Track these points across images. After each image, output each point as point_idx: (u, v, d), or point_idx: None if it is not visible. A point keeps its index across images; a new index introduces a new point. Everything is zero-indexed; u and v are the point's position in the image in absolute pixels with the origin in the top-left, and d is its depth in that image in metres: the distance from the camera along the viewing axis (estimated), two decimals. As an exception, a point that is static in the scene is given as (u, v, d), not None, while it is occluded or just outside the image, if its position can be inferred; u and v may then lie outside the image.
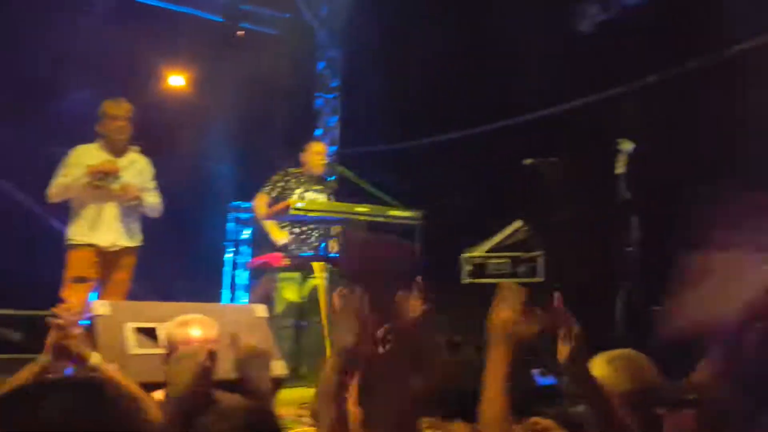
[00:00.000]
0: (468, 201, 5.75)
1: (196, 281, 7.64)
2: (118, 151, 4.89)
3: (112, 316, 3.54)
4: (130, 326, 3.53)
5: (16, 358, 6.35)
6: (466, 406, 2.02)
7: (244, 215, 8.54)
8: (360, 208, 5.15)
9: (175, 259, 7.24)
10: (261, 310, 4.15)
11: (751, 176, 4.57)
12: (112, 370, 2.68)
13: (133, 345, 3.47)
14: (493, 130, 6.89)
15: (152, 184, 5.03)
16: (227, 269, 8.71)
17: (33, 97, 7.61)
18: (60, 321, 2.58)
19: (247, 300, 7.97)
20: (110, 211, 4.76)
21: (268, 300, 5.57)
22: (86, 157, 4.77)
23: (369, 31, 7.98)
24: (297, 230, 5.58)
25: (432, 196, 5.84)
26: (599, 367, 2.22)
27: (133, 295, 5.10)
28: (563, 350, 1.87)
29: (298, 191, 5.53)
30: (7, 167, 7.65)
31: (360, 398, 1.98)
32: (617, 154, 4.35)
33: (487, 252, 4.61)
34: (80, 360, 2.58)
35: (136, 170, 4.94)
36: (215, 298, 8.07)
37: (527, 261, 4.51)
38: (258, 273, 5.80)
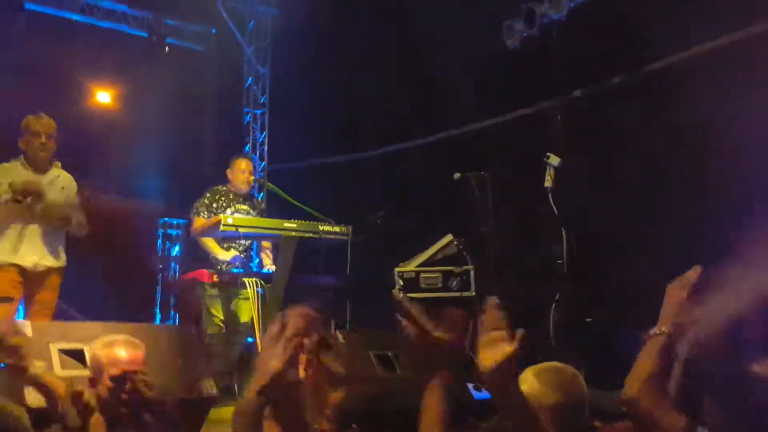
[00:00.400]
0: (398, 215, 5.74)
1: (130, 300, 7.40)
2: (40, 169, 4.68)
3: (37, 336, 3.40)
4: (55, 347, 3.39)
5: None
6: (400, 423, 1.99)
7: (172, 231, 8.33)
8: (290, 224, 5.11)
9: (107, 278, 7.01)
10: (190, 329, 4.05)
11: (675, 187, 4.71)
12: (51, 379, 2.58)
13: (59, 367, 3.33)
14: (422, 145, 6.95)
15: (76, 201, 4.82)
16: (159, 287, 8.47)
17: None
18: None
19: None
20: (33, 230, 4.56)
21: (197, 317, 5.44)
22: (7, 174, 4.55)
23: (295, 47, 7.95)
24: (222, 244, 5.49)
25: (361, 211, 5.82)
26: (527, 380, 2.19)
27: (63, 316, 4.90)
28: (488, 357, 1.70)
29: (229, 210, 5.42)
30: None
31: (279, 424, 1.91)
32: (546, 168, 4.40)
33: (418, 266, 4.60)
34: (19, 371, 2.48)
35: (59, 187, 4.73)
36: (149, 316, 7.82)
37: (459, 275, 4.51)
38: (189, 290, 5.63)
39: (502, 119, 6.08)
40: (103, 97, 8.27)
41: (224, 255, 5.40)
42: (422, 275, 4.44)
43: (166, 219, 8.40)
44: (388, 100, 7.00)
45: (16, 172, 4.60)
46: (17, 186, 4.43)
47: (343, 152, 7.62)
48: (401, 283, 4.55)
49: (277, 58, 8.76)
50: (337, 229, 5.18)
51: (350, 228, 5.20)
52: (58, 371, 3.32)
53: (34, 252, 4.57)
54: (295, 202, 5.38)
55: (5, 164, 4.66)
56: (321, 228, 5.17)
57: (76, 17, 8.04)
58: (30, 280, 4.56)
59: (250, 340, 5.63)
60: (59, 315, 4.86)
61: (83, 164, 7.63)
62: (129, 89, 8.07)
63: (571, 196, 4.42)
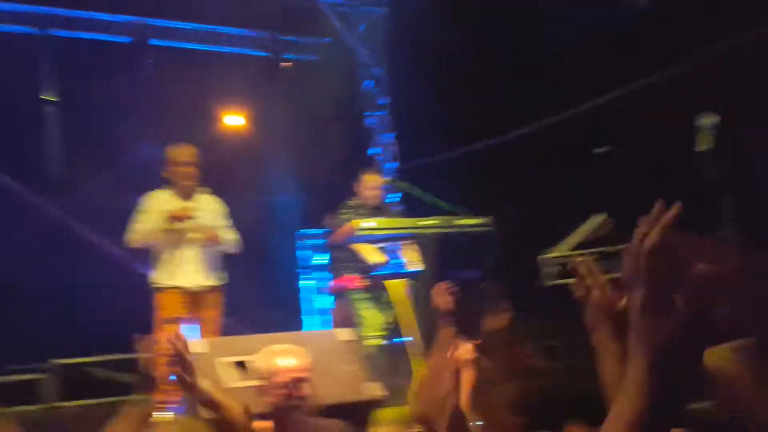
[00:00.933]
0: (536, 201, 5.55)
1: (276, 310, 7.66)
2: (187, 195, 4.90)
3: (209, 353, 3.56)
4: (224, 361, 3.55)
5: (126, 400, 6.69)
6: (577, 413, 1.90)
7: (312, 242, 8.52)
8: (425, 222, 5.06)
9: (254, 290, 7.28)
10: (346, 334, 4.09)
11: None
12: (219, 396, 2.69)
13: (228, 379, 3.47)
14: (549, 126, 6.67)
15: (226, 222, 5.03)
16: (304, 295, 8.70)
17: (105, 151, 7.81)
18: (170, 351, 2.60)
19: (330, 324, 7.92)
20: (191, 253, 4.80)
21: (349, 323, 5.51)
22: (159, 202, 4.81)
23: (409, 42, 7.89)
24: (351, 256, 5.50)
25: (499, 200, 5.68)
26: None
27: (226, 331, 5.09)
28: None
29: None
30: (93, 219, 7.90)
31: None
32: (697, 130, 4.02)
33: (570, 250, 4.40)
34: (191, 388, 2.59)
35: (209, 211, 4.94)
36: (296, 325, 8.05)
37: (615, 255, 4.27)
38: (338, 296, 5.73)
39: (644, 82, 5.63)
40: (233, 119, 8.60)
41: (377, 258, 5.40)
42: (574, 259, 4.23)
43: (305, 230, 8.62)
44: (511, 82, 6.81)
45: (166, 200, 4.83)
46: (171, 213, 4.66)
47: (473, 142, 7.46)
48: (548, 270, 4.38)
49: (392, 57, 8.75)
50: (475, 221, 5.08)
51: (491, 219, 5.08)
52: (228, 383, 3.47)
53: (193, 273, 4.80)
54: (428, 199, 5.33)
55: (154, 193, 4.91)
56: (457, 222, 5.08)
57: (198, 47, 8.40)
58: (194, 300, 4.78)
59: (399, 340, 5.66)
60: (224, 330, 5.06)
61: (221, 187, 7.99)
62: (256, 109, 8.34)
63: (733, 157, 4.04)
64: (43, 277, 7.48)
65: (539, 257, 4.56)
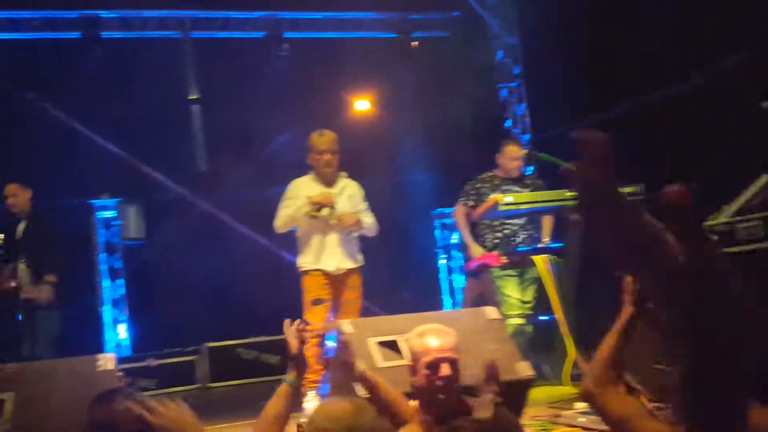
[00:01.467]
0: (690, 165, 5.11)
1: (416, 290, 7.65)
2: (329, 181, 4.95)
3: (356, 333, 3.55)
4: (373, 341, 3.52)
5: (278, 380, 6.96)
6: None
7: (449, 221, 8.43)
8: (572, 193, 4.77)
9: (393, 271, 7.29)
10: (493, 312, 3.94)
11: None
12: (375, 376, 2.66)
13: (379, 359, 3.45)
14: (703, 83, 6.11)
15: (364, 206, 5.04)
16: (443, 275, 8.64)
17: (247, 143, 8.11)
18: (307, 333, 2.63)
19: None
20: (332, 237, 4.85)
21: (486, 301, 5.37)
22: (303, 188, 4.90)
23: (542, 9, 7.54)
24: (501, 234, 5.30)
25: (647, 166, 5.28)
26: None
27: (365, 312, 5.13)
28: None
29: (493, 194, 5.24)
30: (242, 213, 8.25)
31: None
32: None
33: (732, 217, 4.00)
34: (349, 368, 2.59)
35: (348, 196, 4.96)
36: (436, 304, 8.02)
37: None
38: (475, 275, 5.58)
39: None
40: (365, 102, 8.65)
41: (476, 250, 5.25)
42: (739, 226, 3.85)
43: (441, 209, 8.54)
44: (646, 41, 6.33)
45: (310, 186, 4.90)
46: (314, 199, 4.72)
47: (608, 107, 7.04)
48: (714, 237, 4.00)
49: (525, 26, 8.44)
50: (626, 190, 4.75)
51: (642, 187, 4.74)
52: (379, 362, 3.43)
53: (334, 257, 4.85)
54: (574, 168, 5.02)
55: (299, 180, 4.99)
56: (605, 192, 4.77)
57: (328, 35, 8.50)
58: (335, 283, 4.83)
59: (545, 318, 5.44)
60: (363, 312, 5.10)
61: (357, 170, 8.05)
62: (388, 90, 8.34)
63: None
64: (195, 266, 7.91)
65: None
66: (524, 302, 5.18)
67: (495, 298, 5.20)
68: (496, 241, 5.31)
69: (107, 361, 3.20)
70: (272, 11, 8.34)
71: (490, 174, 5.45)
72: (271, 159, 8.36)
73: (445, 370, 2.60)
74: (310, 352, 4.05)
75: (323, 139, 4.90)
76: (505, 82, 8.63)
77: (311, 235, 4.86)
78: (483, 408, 2.31)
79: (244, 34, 8.36)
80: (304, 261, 4.88)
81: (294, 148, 8.36)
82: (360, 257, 4.99)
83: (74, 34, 7.79)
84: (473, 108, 7.75)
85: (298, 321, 2.66)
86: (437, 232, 8.76)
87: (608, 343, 2.02)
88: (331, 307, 4.84)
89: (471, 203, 5.35)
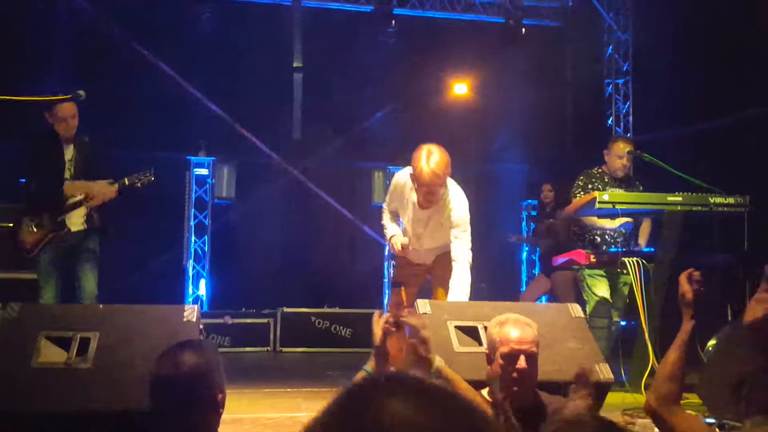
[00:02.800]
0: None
1: (496, 281, 7.52)
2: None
3: (435, 314, 3.49)
4: (452, 324, 3.45)
5: (347, 352, 7.04)
6: None
7: (535, 213, 8.24)
8: (674, 198, 4.54)
9: (475, 260, 7.17)
10: (577, 310, 3.79)
11: None
12: (452, 374, 2.59)
13: (457, 343, 3.38)
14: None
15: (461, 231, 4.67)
16: (525, 267, 8.47)
17: (342, 120, 8.15)
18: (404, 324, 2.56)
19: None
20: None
21: (569, 297, 5.20)
22: (398, 199, 4.65)
23: (658, 7, 7.20)
24: (601, 233, 5.08)
25: (755, 177, 4.97)
26: None
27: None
28: None
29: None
30: (328, 184, 8.35)
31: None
32: None
33: None
34: (425, 363, 2.53)
35: (446, 217, 4.78)
36: (515, 295, 7.87)
37: None
38: (562, 270, 5.40)
39: None
40: (465, 87, 8.52)
41: (609, 222, 4.98)
42: None
43: (529, 201, 8.35)
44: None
45: (409, 193, 4.79)
46: (394, 250, 4.47)
47: (719, 115, 6.66)
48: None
49: (639, 22, 8.09)
50: (731, 200, 4.48)
51: (747, 198, 4.45)
52: (456, 347, 3.35)
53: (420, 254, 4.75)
54: (680, 173, 4.77)
55: (401, 180, 4.67)
56: (712, 200, 4.51)
57: (437, 14, 8.39)
58: (424, 268, 4.75)
59: (628, 323, 5.20)
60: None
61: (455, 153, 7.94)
62: (488, 76, 8.18)
63: None
64: (278, 231, 8.03)
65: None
66: (612, 305, 4.99)
67: (582, 296, 5.04)
68: (596, 240, 5.09)
69: (192, 312, 3.23)
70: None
71: (599, 170, 5.19)
72: (363, 134, 8.37)
73: (522, 362, 2.53)
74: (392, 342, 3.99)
75: (427, 166, 3.93)
76: (613, 78, 8.31)
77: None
78: (576, 409, 2.21)
79: (353, 7, 8.36)
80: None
81: (387, 126, 8.39)
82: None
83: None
84: (576, 101, 7.52)
85: (387, 315, 2.62)
86: (524, 223, 8.57)
87: (669, 359, 1.92)
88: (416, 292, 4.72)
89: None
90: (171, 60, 7.80)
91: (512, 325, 2.64)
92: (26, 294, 4.92)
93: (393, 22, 8.08)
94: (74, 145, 4.56)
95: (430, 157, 3.86)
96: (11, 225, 4.59)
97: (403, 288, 4.57)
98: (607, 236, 5.14)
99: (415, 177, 3.96)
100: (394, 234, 4.34)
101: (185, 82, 7.91)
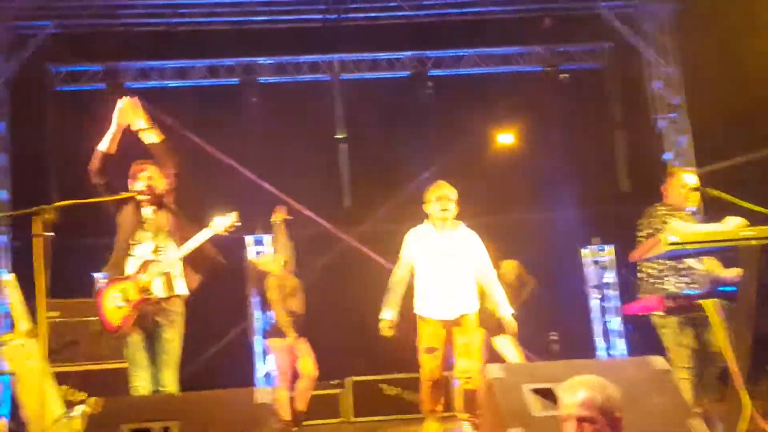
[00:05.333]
0: None
1: (566, 331, 7.24)
2: (447, 228, 4.74)
3: (508, 378, 3.33)
4: (528, 388, 3.28)
5: (420, 418, 6.84)
6: None
7: (602, 258, 7.96)
8: (747, 231, 4.27)
9: (541, 311, 6.96)
10: (661, 363, 3.56)
11: None
12: None
13: (534, 407, 3.20)
14: None
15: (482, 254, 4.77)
16: (595, 315, 8.13)
17: (390, 182, 8.14)
18: None
19: (624, 348, 7.30)
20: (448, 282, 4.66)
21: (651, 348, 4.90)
22: (416, 237, 4.75)
23: (702, 37, 7.02)
24: (686, 277, 4.77)
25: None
26: None
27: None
28: None
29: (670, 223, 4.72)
30: (382, 248, 8.30)
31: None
32: None
33: None
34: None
35: (465, 245, 4.74)
36: (587, 346, 7.56)
37: None
38: (637, 319, 5.13)
39: None
40: (507, 137, 8.45)
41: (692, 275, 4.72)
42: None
43: (592, 246, 8.09)
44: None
45: (424, 234, 4.75)
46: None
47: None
48: None
49: (686, 53, 7.92)
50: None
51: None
52: (534, 411, 3.18)
53: (451, 302, 4.67)
54: (751, 206, 4.50)
55: (414, 229, 4.82)
56: (788, 233, 4.22)
57: (474, 71, 8.42)
58: (451, 327, 4.66)
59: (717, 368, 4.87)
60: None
61: (500, 205, 7.83)
62: (532, 124, 8.10)
63: None
64: (339, 299, 7.96)
65: None
66: (696, 351, 4.67)
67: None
68: (681, 284, 4.78)
69: (264, 394, 3.23)
70: (418, 51, 8.41)
71: (660, 207, 4.91)
72: (413, 194, 8.33)
73: (587, 429, 2.35)
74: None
75: (435, 189, 4.70)
76: (663, 113, 8.10)
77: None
78: None
79: (390, 74, 8.47)
80: (421, 307, 4.72)
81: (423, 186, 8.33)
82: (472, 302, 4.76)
83: (233, 81, 8.24)
84: (626, 140, 7.34)
85: None
86: (589, 270, 8.27)
87: None
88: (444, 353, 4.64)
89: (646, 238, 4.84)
90: (222, 144, 7.97)
91: (577, 389, 2.49)
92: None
93: (430, 83, 8.15)
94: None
95: (435, 183, 4.67)
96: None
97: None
98: (682, 275, 4.83)
99: (428, 198, 4.64)
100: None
101: (237, 164, 8.07)
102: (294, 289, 6.22)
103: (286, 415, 6.03)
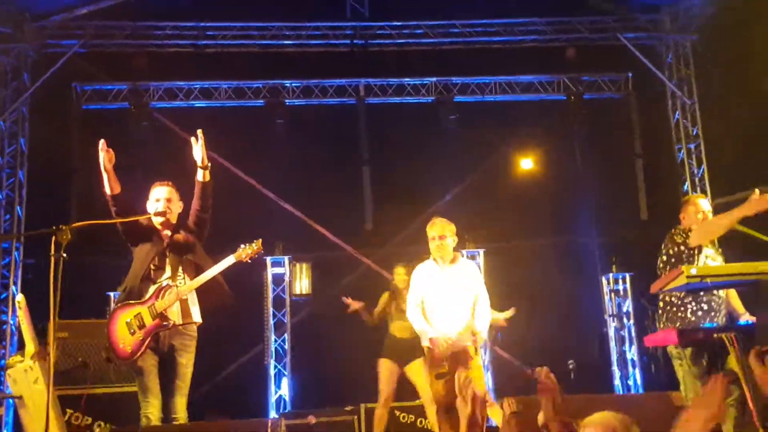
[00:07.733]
0: None
1: (584, 359, 7.13)
2: (447, 262, 4.74)
3: (526, 413, 3.29)
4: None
5: None
6: None
7: (618, 287, 7.86)
8: (766, 266, 4.19)
9: (559, 339, 6.88)
10: (678, 398, 3.51)
11: None
12: None
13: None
14: None
15: (482, 287, 4.74)
16: (613, 345, 8.02)
17: (412, 206, 8.13)
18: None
19: (640, 378, 7.17)
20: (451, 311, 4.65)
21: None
22: (423, 274, 4.73)
23: (721, 68, 6.99)
24: (706, 305, 4.68)
25: None
26: None
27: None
28: None
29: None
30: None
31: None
32: None
33: None
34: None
35: (467, 277, 4.73)
36: (606, 375, 7.44)
37: None
38: (656, 351, 5.05)
39: None
40: (528, 163, 8.43)
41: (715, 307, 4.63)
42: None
43: (612, 274, 7.99)
44: None
45: (429, 270, 4.74)
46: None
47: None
48: None
49: (702, 85, 7.89)
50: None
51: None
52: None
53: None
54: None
55: (421, 265, 4.81)
56: (812, 267, 4.13)
57: (496, 98, 8.44)
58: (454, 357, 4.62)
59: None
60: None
61: (520, 231, 7.78)
62: (554, 151, 8.08)
63: None
64: (356, 324, 7.92)
65: None
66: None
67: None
68: (700, 312, 4.68)
69: (276, 426, 3.24)
70: (442, 77, 8.45)
71: (680, 228, 4.80)
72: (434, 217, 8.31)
73: None
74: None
75: (432, 226, 4.69)
76: (684, 143, 8.04)
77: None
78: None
79: (414, 99, 8.52)
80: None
81: (457, 207, 8.31)
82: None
83: (258, 102, 8.33)
84: (649, 169, 7.28)
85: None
86: (607, 299, 8.17)
87: None
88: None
89: (665, 270, 4.76)
90: (245, 165, 8.03)
91: (590, 428, 2.47)
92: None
93: (454, 109, 8.19)
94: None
95: (432, 220, 4.76)
96: None
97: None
98: (701, 301, 4.73)
99: (427, 235, 4.71)
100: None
101: (260, 185, 8.12)
102: None
103: None
